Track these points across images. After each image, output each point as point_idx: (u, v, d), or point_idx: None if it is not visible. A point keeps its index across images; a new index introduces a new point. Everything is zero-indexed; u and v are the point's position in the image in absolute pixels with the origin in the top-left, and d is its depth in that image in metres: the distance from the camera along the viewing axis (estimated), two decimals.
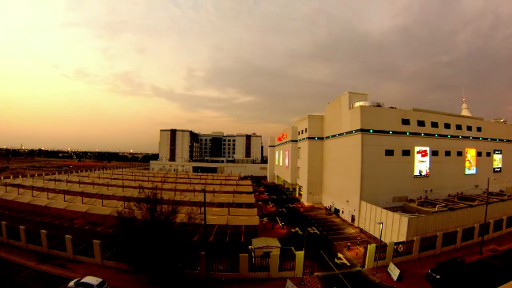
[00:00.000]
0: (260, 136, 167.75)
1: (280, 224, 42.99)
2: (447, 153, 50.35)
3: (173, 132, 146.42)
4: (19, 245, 29.63)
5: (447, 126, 50.41)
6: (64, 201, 45.18)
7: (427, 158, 47.22)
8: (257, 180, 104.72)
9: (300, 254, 25.29)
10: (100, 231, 35.94)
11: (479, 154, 55.78)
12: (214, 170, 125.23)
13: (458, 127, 52.34)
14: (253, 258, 25.96)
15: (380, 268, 26.63)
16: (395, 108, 47.82)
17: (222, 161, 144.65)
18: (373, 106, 45.21)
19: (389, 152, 43.91)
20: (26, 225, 32.25)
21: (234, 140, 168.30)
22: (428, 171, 47.33)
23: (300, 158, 68.17)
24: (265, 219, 45.57)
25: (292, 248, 30.11)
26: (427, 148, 47.22)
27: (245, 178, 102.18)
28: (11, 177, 78.80)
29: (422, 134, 47.01)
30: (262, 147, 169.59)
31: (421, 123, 47.02)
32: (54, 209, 43.87)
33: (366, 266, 27.35)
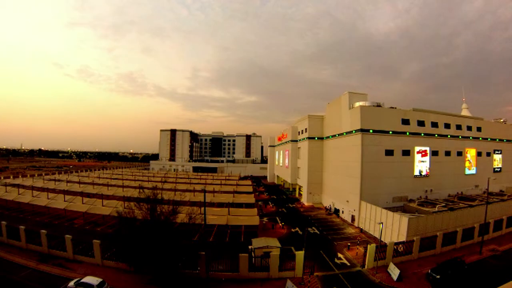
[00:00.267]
0: (260, 136, 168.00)
1: (280, 224, 42.98)
2: (447, 153, 50.37)
3: (173, 132, 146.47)
4: (19, 245, 29.63)
5: (447, 126, 50.43)
6: (64, 201, 45.18)
7: (427, 158, 47.23)
8: (257, 180, 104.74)
9: (300, 254, 25.30)
10: (100, 231, 35.92)
11: (479, 154, 55.81)
12: (214, 170, 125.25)
13: (458, 127, 52.35)
14: (253, 258, 25.95)
15: (380, 268, 26.64)
16: (395, 108, 47.83)
17: (222, 161, 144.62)
18: (373, 106, 45.21)
19: (389, 152, 43.92)
20: (26, 225, 32.31)
21: (234, 140, 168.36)
22: (428, 171, 47.33)
23: (300, 158, 68.17)
24: (265, 219, 45.57)
25: (292, 248, 30.08)
26: (427, 148, 47.23)
27: (245, 178, 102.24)
28: (11, 177, 78.79)
29: (422, 134, 47.01)
30: (262, 147, 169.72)
31: (421, 123, 47.03)
32: (54, 209, 43.84)
33: (366, 266, 27.35)
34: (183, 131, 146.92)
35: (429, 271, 25.67)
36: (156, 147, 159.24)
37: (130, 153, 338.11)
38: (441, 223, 34.07)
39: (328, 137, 57.78)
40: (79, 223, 39.90)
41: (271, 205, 58.68)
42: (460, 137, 52.27)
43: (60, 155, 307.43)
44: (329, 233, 39.41)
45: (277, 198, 69.59)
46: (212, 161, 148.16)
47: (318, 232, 39.73)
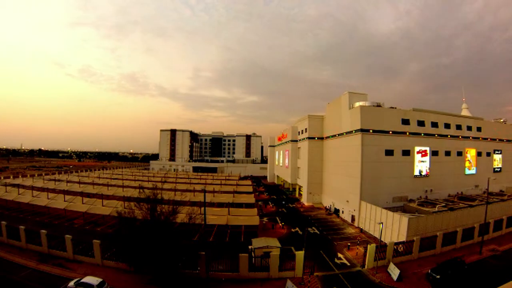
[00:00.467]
0: (260, 136, 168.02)
1: (280, 224, 42.99)
2: (447, 153, 50.38)
3: (173, 132, 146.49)
4: (19, 245, 29.64)
5: (447, 126, 50.44)
6: (64, 201, 45.17)
7: (427, 158, 47.24)
8: (257, 180, 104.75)
9: (300, 254, 25.30)
10: (100, 231, 35.92)
11: (479, 154, 55.83)
12: (214, 170, 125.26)
13: (458, 127, 52.37)
14: (253, 258, 25.95)
15: (380, 268, 26.64)
16: (395, 108, 47.85)
17: (222, 161, 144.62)
18: (373, 106, 45.22)
19: (389, 152, 43.93)
20: (26, 225, 32.30)
21: (234, 140, 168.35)
22: (428, 171, 47.33)
23: (300, 158, 68.17)
24: (265, 219, 45.58)
25: (292, 248, 30.07)
26: (427, 148, 47.24)
27: (245, 178, 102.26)
28: (11, 177, 78.78)
29: (422, 134, 47.02)
30: (262, 147, 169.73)
31: (421, 123, 47.05)
32: (54, 209, 43.83)
33: (366, 266, 27.35)
34: (183, 131, 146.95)
35: (429, 271, 25.67)
36: (156, 147, 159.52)
37: (130, 153, 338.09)
38: (441, 223, 34.07)
39: (328, 137, 57.79)
40: (79, 223, 39.90)
41: (271, 205, 58.68)
42: (460, 137, 52.29)
43: (60, 155, 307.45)
44: (329, 233, 39.41)
45: (277, 198, 69.60)
46: (212, 161, 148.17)
47: (318, 232, 39.74)
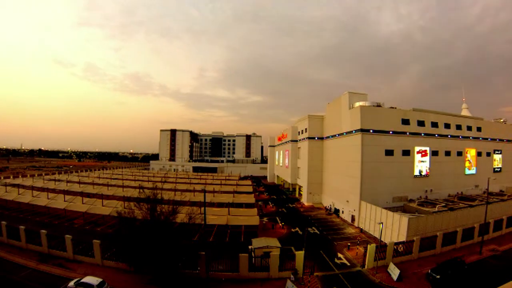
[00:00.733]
0: (260, 136, 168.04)
1: (280, 224, 42.98)
2: (447, 153, 50.37)
3: (173, 132, 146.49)
4: (19, 245, 29.64)
5: (447, 126, 50.43)
6: (64, 201, 45.17)
7: (427, 158, 47.23)
8: (257, 180, 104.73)
9: (300, 254, 25.30)
10: (100, 231, 35.92)
11: (479, 154, 55.81)
12: (214, 170, 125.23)
13: (458, 127, 52.36)
14: (253, 258, 25.95)
15: (380, 268, 26.63)
16: (395, 108, 47.84)
17: (222, 161, 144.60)
18: (373, 106, 45.21)
19: (389, 152, 43.92)
20: (26, 225, 32.28)
21: (234, 140, 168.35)
22: (428, 171, 47.33)
23: (300, 158, 68.17)
24: (265, 219, 45.57)
25: (292, 248, 30.10)
26: (427, 148, 47.23)
27: (245, 178, 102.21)
28: (11, 177, 78.78)
29: (422, 134, 47.01)
30: (262, 147, 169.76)
31: (421, 123, 47.03)
32: (54, 209, 43.83)
33: (366, 266, 27.35)
34: (183, 131, 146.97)
35: (429, 271, 25.67)
36: (156, 147, 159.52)
37: (130, 153, 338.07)
38: (441, 223, 34.06)
39: (328, 137, 57.78)
40: (79, 223, 39.90)
41: (271, 205, 58.68)
42: (460, 137, 52.28)
43: (60, 155, 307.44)
44: (329, 233, 39.41)
45: (277, 198, 69.59)
46: (212, 161, 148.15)
47: (318, 232, 39.74)
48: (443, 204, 40.98)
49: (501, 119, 66.80)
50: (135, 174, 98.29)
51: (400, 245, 29.42)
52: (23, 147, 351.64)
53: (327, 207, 55.26)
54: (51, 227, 36.25)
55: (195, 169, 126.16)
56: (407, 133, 45.51)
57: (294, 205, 59.70)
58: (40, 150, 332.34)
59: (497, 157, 60.04)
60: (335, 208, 51.27)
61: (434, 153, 48.25)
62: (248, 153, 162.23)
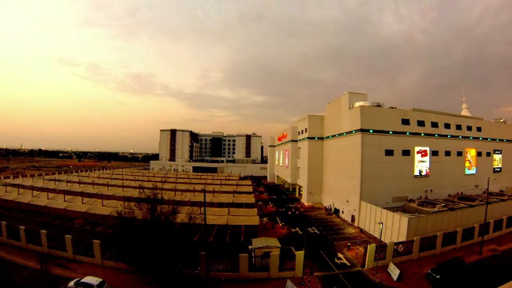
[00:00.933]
0: (260, 136, 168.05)
1: (280, 224, 42.99)
2: (447, 153, 50.38)
3: (173, 132, 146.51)
4: (19, 245, 29.64)
5: (447, 126, 50.43)
6: (64, 201, 45.17)
7: (427, 158, 47.23)
8: (257, 180, 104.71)
9: (300, 254, 25.30)
10: (100, 231, 35.92)
11: (479, 154, 55.81)
12: (214, 170, 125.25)
13: (458, 127, 52.36)
14: (253, 258, 25.95)
15: (380, 268, 26.64)
16: (395, 108, 47.85)
17: (222, 161, 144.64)
18: (373, 106, 45.22)
19: (389, 152, 43.92)
20: (26, 225, 32.27)
21: (234, 140, 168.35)
22: (428, 171, 47.33)
23: (300, 158, 68.17)
24: (265, 219, 45.58)
25: (292, 248, 30.09)
26: (427, 148, 47.24)
27: (245, 178, 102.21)
28: (11, 177, 78.77)
29: (422, 134, 47.02)
30: (262, 147, 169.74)
31: (421, 123, 47.04)
32: (54, 209, 43.83)
33: (366, 266, 27.35)
34: (183, 131, 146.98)
35: (429, 271, 25.67)
36: (156, 147, 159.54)
37: (130, 153, 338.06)
38: (441, 223, 34.07)
39: (328, 137, 57.79)
40: (79, 223, 39.90)
41: (271, 205, 58.69)
42: (460, 137, 52.28)
43: (60, 155, 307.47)
44: (329, 233, 39.42)
45: (277, 198, 69.60)
46: (212, 161, 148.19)
47: (318, 232, 39.75)
48: (443, 204, 40.99)
49: (501, 119, 66.80)
50: (135, 174, 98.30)
51: (400, 245, 29.42)
52: (23, 147, 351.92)
53: (327, 207, 55.26)
54: (51, 227, 36.25)
55: (195, 169, 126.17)
56: (407, 133, 45.52)
57: (294, 205, 59.69)
58: (40, 150, 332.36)
59: (497, 157, 60.05)
60: (335, 208, 51.27)
61: (434, 153, 48.25)
62: (248, 153, 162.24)
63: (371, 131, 42.87)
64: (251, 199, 52.30)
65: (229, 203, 46.19)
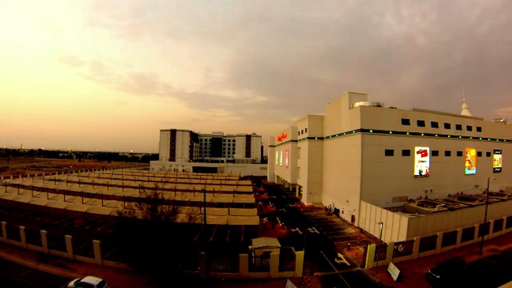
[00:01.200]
0: (260, 136, 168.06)
1: (280, 224, 42.99)
2: (447, 153, 50.37)
3: (173, 132, 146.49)
4: (19, 245, 29.63)
5: (447, 126, 50.43)
6: (64, 201, 45.16)
7: (427, 158, 47.23)
8: (257, 180, 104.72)
9: (300, 254, 25.29)
10: (100, 231, 35.91)
11: (479, 154, 55.81)
12: (214, 170, 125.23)
13: (458, 127, 52.36)
14: (253, 258, 25.95)
15: (380, 268, 26.63)
16: (395, 108, 47.84)
17: (222, 161, 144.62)
18: (373, 106, 45.21)
19: (389, 152, 43.92)
20: (26, 225, 32.24)
21: (234, 140, 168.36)
22: (428, 171, 47.33)
23: (300, 158, 68.16)
24: (265, 219, 45.57)
25: (292, 248, 30.10)
26: (427, 148, 47.23)
27: (245, 178, 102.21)
28: (11, 177, 78.76)
29: (422, 134, 47.01)
30: (262, 147, 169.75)
31: (421, 123, 47.03)
32: (54, 209, 43.82)
33: (366, 266, 27.35)
34: (183, 131, 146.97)
35: (429, 271, 25.66)
36: (156, 147, 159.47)
37: (130, 153, 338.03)
38: (441, 223, 34.07)
39: (328, 137, 57.78)
40: (79, 223, 39.90)
41: (271, 205, 58.68)
42: (460, 137, 52.27)
43: (60, 155, 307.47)
44: (329, 233, 39.41)
45: (277, 198, 69.60)
46: (212, 161, 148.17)
47: (318, 232, 39.74)
48: (443, 204, 40.98)
49: (501, 119, 66.79)
50: (135, 174, 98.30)
51: (400, 245, 29.42)
52: (23, 147, 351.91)
53: (327, 207, 55.26)
54: (51, 227, 36.24)
55: (195, 169, 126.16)
56: (407, 133, 45.51)
57: (294, 205, 59.69)
58: (40, 150, 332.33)
59: (497, 157, 60.04)
60: (335, 208, 51.27)
61: (434, 153, 48.25)
62: (248, 153, 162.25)
63: (371, 131, 42.86)
64: (251, 199, 52.28)
65: (229, 203, 46.18)
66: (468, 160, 53.82)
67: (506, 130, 63.09)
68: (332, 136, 55.06)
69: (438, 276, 24.56)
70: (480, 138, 55.94)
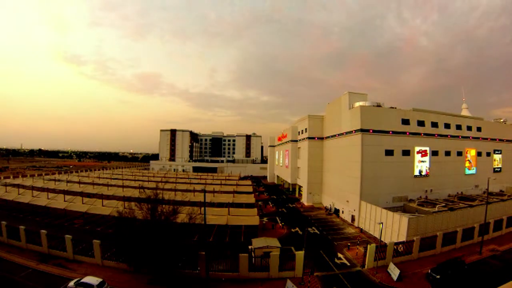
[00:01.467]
0: (260, 136, 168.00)
1: (280, 224, 42.98)
2: (447, 153, 50.36)
3: (173, 132, 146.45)
4: (19, 245, 29.64)
5: (447, 126, 50.42)
6: (64, 201, 45.15)
7: (427, 158, 47.23)
8: (257, 180, 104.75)
9: (300, 254, 25.29)
10: (100, 231, 35.90)
11: (479, 154, 55.80)
12: (214, 170, 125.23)
13: (458, 127, 52.35)
14: (253, 258, 25.95)
15: (380, 268, 26.63)
16: (395, 108, 47.83)
17: (222, 161, 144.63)
18: (373, 106, 45.20)
19: (389, 152, 43.91)
20: (26, 225, 32.22)
21: (234, 140, 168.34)
22: (428, 171, 47.32)
23: (300, 158, 68.15)
24: (265, 219, 45.57)
25: (292, 248, 30.10)
26: (427, 148, 47.22)
27: (245, 178, 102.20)
28: (11, 177, 78.75)
29: (422, 134, 47.00)
30: (262, 147, 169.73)
31: (421, 123, 47.03)
32: (54, 209, 43.79)
33: (366, 266, 27.35)
34: (183, 131, 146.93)
35: (429, 271, 25.65)
36: (156, 147, 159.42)
37: (130, 153, 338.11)
38: (441, 223, 34.06)
39: (328, 137, 57.77)
40: (79, 223, 39.89)
41: (271, 205, 58.67)
42: (460, 137, 52.26)
43: (60, 155, 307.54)
44: (329, 233, 39.41)
45: (277, 198, 69.60)
46: (212, 161, 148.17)
47: (318, 232, 39.74)
48: (443, 204, 40.98)
49: (501, 119, 66.80)
50: (135, 174, 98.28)
51: (400, 245, 29.41)
52: (23, 147, 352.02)
53: (327, 207, 55.25)
54: (51, 227, 36.23)
55: (195, 169, 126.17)
56: (407, 133, 45.50)
57: (294, 205, 59.69)
58: (40, 150, 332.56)
59: (497, 157, 60.04)
60: (335, 208, 51.26)
61: (434, 153, 48.24)
62: (248, 153, 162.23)
63: (371, 131, 42.84)
64: (251, 199, 52.27)
65: (229, 203, 46.12)
66: (468, 160, 53.81)
67: (506, 130, 63.09)
68: (332, 136, 55.05)
69: (438, 276, 24.55)
70: (480, 138, 55.91)
